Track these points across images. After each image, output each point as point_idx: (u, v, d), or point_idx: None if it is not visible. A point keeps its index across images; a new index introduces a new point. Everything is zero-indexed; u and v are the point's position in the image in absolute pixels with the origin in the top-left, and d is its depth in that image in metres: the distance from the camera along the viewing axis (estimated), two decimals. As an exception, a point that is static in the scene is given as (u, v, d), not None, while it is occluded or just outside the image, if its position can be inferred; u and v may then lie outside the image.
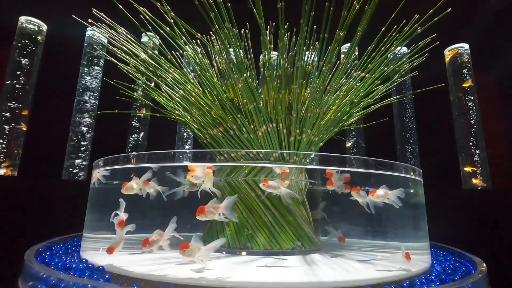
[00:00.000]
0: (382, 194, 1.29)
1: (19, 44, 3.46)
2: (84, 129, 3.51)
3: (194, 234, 1.10)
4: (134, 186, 1.31)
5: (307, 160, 1.72)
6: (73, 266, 1.15)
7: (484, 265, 1.32)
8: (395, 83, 1.89)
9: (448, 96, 3.87)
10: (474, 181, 3.54)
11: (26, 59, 3.46)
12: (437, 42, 1.79)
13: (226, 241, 1.47)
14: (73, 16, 1.76)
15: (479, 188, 3.50)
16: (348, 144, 3.79)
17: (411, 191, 1.40)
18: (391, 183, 1.32)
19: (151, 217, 1.42)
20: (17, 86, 3.38)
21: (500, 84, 4.26)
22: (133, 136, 3.71)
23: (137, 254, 1.31)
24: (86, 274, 1.07)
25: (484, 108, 3.80)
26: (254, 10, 1.49)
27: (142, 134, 3.68)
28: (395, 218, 1.40)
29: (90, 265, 1.13)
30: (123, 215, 1.26)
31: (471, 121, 3.66)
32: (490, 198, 3.29)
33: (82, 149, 3.46)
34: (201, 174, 1.25)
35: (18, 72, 3.41)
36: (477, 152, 3.57)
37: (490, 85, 4.23)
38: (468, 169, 3.52)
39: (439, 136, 4.01)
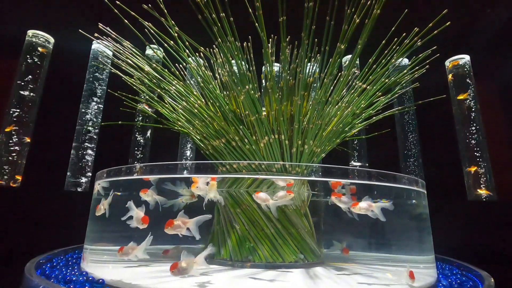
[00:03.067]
0: (365, 207, 1.24)
1: (27, 57, 3.54)
2: (88, 141, 3.54)
3: (184, 251, 1.09)
4: (101, 207, 1.35)
5: (311, 171, 1.72)
6: (74, 279, 1.14)
7: (492, 279, 1.29)
8: (396, 95, 1.90)
9: (450, 106, 3.88)
10: (479, 191, 3.49)
11: (33, 71, 3.53)
12: (438, 54, 1.81)
13: (227, 254, 1.45)
14: (80, 30, 1.80)
15: (484, 198, 3.45)
16: (357, 164, 3.79)
17: (414, 201, 1.38)
18: (394, 195, 1.31)
19: (149, 228, 1.40)
20: (24, 98, 3.43)
21: (502, 93, 4.26)
22: (137, 139, 3.72)
23: (138, 267, 1.30)
24: (86, 287, 1.06)
25: (487, 118, 3.80)
26: (256, 24, 1.52)
27: (149, 131, 3.69)
28: (399, 230, 1.38)
29: (90, 278, 1.12)
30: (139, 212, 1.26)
31: (474, 131, 3.65)
32: (497, 209, 3.24)
33: (85, 160, 3.48)
34: (204, 186, 1.25)
35: (25, 83, 3.47)
36: (481, 162, 3.54)
37: (492, 95, 4.24)
38: (472, 169, 3.48)
39: (442, 146, 3.99)
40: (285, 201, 1.27)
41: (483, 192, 3.47)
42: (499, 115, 4.19)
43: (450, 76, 3.86)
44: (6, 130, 3.27)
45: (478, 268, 1.48)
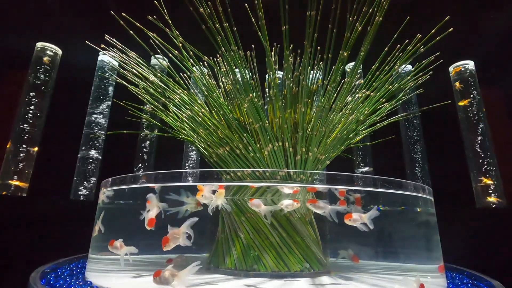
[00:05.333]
0: (356, 218, 1.25)
1: (35, 69, 3.62)
2: (93, 151, 3.58)
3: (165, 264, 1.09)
4: (96, 228, 1.39)
5: (315, 178, 1.70)
6: (78, 288, 1.14)
7: (504, 289, 1.26)
8: (400, 101, 1.89)
9: (455, 112, 3.84)
10: (489, 198, 3.42)
11: (41, 82, 3.61)
12: (441, 60, 1.80)
13: (232, 263, 1.43)
14: (87, 42, 1.85)
15: (494, 206, 3.38)
16: (364, 170, 3.76)
17: (421, 209, 1.36)
18: (400, 202, 1.29)
19: (150, 237, 1.39)
20: (31, 108, 3.50)
21: (509, 98, 4.21)
22: (143, 149, 3.75)
23: (142, 277, 1.29)
24: (90, 297, 1.05)
25: (494, 124, 3.75)
26: (259, 33, 1.54)
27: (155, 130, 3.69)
28: (406, 238, 1.35)
29: (94, 288, 1.11)
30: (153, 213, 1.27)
31: (480, 137, 3.60)
32: (507, 216, 3.17)
33: (91, 168, 3.51)
34: (209, 194, 1.25)
35: (33, 94, 3.54)
36: (489, 168, 3.49)
37: (498, 100, 4.20)
38: (485, 181, 3.41)
39: (449, 153, 3.94)
40: (278, 207, 1.27)
41: (492, 199, 3.40)
42: (506, 120, 4.13)
43: (457, 84, 3.82)
44: (7, 146, 3.31)
45: (489, 277, 1.44)
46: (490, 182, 3.41)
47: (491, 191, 3.42)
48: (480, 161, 3.54)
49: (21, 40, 3.75)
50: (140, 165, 3.72)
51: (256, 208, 1.28)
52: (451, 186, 3.66)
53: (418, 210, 1.39)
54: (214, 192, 1.29)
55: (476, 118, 3.67)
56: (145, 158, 3.75)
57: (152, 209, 1.28)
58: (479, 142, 3.60)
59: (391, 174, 1.33)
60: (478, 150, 3.57)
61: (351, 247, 1.61)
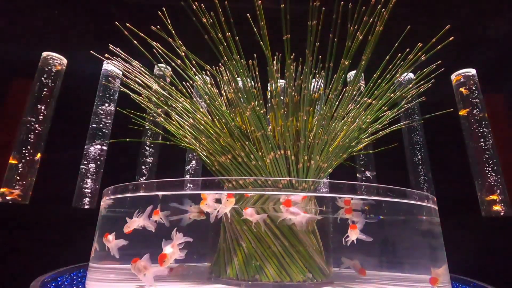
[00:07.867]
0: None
1: (40, 78, 3.68)
2: (97, 159, 3.59)
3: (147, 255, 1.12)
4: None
5: (317, 187, 1.69)
6: (78, 298, 1.13)
7: (512, 301, 1.23)
8: (403, 109, 1.89)
9: (458, 119, 3.83)
10: (494, 207, 3.38)
11: (46, 91, 3.66)
12: (443, 69, 1.81)
13: (234, 273, 1.41)
14: (91, 51, 1.88)
15: (501, 215, 3.33)
16: (369, 174, 3.74)
17: (425, 218, 1.34)
18: (404, 211, 1.28)
19: (152, 245, 1.38)
20: (36, 116, 3.54)
21: (511, 105, 4.20)
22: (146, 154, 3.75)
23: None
24: (90, 307, 1.04)
25: (497, 131, 3.73)
26: (261, 42, 1.55)
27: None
28: (410, 248, 1.33)
29: (94, 298, 1.10)
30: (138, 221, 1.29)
31: (484, 145, 3.58)
32: (513, 226, 3.12)
33: (93, 176, 3.52)
34: (213, 203, 1.25)
35: (38, 102, 3.59)
36: (494, 177, 3.45)
37: (500, 107, 4.18)
38: (489, 198, 3.37)
39: (453, 161, 3.91)
40: (274, 215, 1.26)
41: (498, 207, 3.35)
42: (509, 127, 4.11)
43: (463, 90, 3.80)
44: (10, 161, 3.33)
45: (496, 289, 1.41)
46: (496, 198, 3.37)
47: (497, 201, 3.37)
48: (484, 168, 3.51)
49: (27, 49, 3.82)
50: (144, 176, 3.72)
51: (250, 217, 1.27)
52: (456, 194, 3.62)
53: (422, 219, 1.37)
54: (217, 201, 1.29)
55: (479, 125, 3.65)
56: (148, 167, 3.75)
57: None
58: (483, 149, 3.57)
59: (394, 182, 1.31)
60: (482, 157, 3.54)
61: (356, 258, 1.59)
